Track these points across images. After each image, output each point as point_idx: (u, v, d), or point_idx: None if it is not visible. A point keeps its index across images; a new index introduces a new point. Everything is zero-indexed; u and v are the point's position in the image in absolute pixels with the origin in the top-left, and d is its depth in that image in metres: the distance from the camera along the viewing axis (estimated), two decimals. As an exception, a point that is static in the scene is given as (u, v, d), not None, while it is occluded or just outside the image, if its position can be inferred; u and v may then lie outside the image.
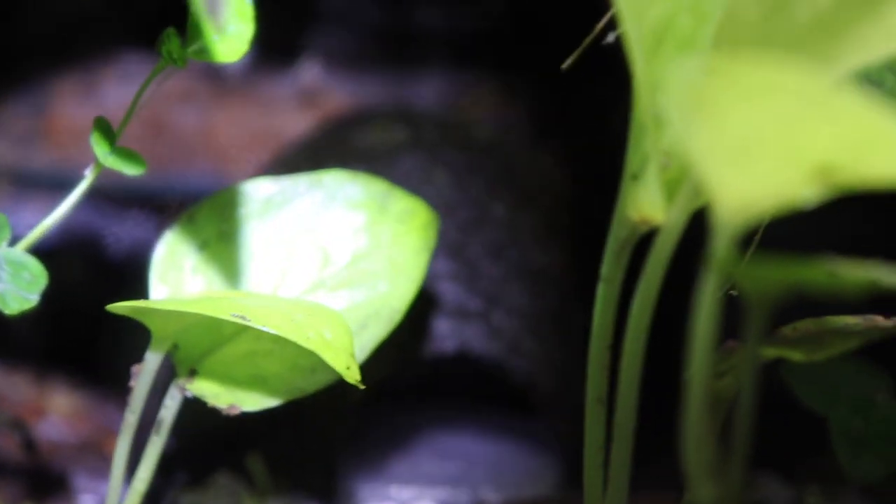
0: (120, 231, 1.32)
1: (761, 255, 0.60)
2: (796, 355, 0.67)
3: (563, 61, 0.77)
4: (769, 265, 0.55)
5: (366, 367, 0.81)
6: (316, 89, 1.30)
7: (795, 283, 0.55)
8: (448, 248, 1.01)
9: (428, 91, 1.23)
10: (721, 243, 0.55)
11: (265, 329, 0.75)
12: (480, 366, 1.00)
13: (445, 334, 0.99)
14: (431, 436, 1.10)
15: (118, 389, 1.22)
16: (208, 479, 0.96)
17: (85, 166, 0.81)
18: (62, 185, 1.33)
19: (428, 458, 1.07)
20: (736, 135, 0.52)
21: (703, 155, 0.52)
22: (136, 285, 1.29)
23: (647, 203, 0.66)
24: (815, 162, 0.50)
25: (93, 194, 1.30)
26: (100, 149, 0.79)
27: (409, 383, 1.08)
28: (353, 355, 0.78)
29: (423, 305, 0.86)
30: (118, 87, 1.31)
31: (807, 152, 0.50)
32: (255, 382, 0.83)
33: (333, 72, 1.30)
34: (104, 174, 0.82)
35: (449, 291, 1.00)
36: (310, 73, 1.30)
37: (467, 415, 1.12)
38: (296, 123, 1.29)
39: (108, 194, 1.32)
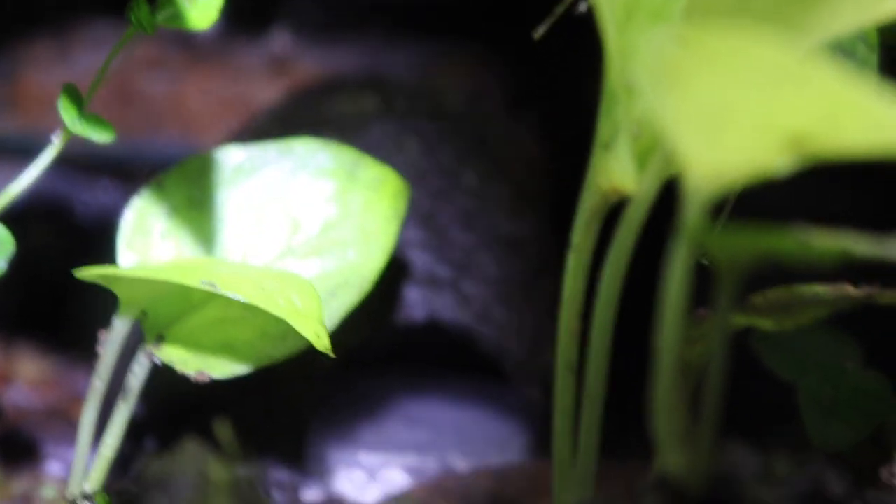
0: (88, 198, 1.31)
1: (734, 223, 0.60)
2: (766, 324, 0.68)
3: (536, 30, 0.77)
4: (740, 234, 0.55)
5: (335, 335, 0.81)
6: (286, 57, 1.30)
7: (766, 252, 0.55)
8: (418, 216, 1.00)
9: (399, 60, 1.23)
10: (692, 212, 0.56)
11: (235, 296, 0.75)
12: (450, 334, 1.00)
13: (415, 302, 0.99)
14: (400, 402, 1.10)
15: (86, 356, 1.22)
16: (175, 445, 0.96)
17: (54, 133, 0.80)
18: (31, 152, 1.32)
19: (397, 425, 1.07)
20: (707, 105, 0.52)
21: (675, 125, 0.53)
22: (105, 252, 1.28)
23: (617, 172, 0.66)
24: (787, 131, 0.50)
25: (62, 161, 1.30)
26: (68, 115, 0.78)
27: (378, 350, 1.08)
28: (322, 323, 0.78)
29: (393, 273, 0.86)
30: (89, 54, 1.30)
31: (779, 122, 0.50)
32: (224, 349, 0.83)
33: (304, 40, 1.30)
34: (73, 141, 0.81)
35: (419, 260, 1.00)
36: (280, 41, 1.29)
37: (436, 382, 1.13)
38: (266, 91, 1.28)
39: (77, 161, 1.31)
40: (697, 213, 0.55)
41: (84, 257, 1.28)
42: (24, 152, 1.32)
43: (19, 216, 1.25)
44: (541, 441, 1.00)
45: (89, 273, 0.77)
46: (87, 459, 0.83)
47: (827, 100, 0.49)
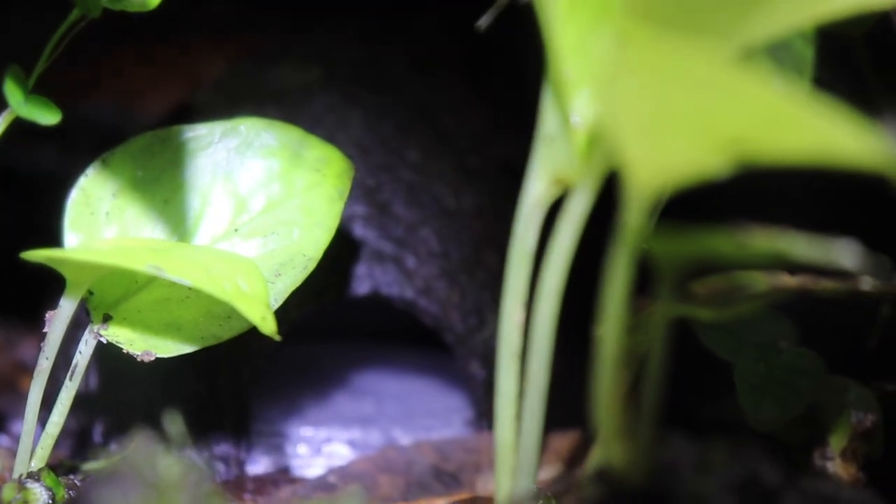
0: (27, 164, 1.31)
1: (673, 223, 0.61)
2: (705, 314, 0.69)
3: (479, 21, 0.78)
4: (678, 237, 0.56)
5: (279, 311, 0.82)
6: (227, 25, 1.29)
7: (703, 252, 0.56)
8: (362, 191, 1.01)
9: (344, 30, 1.23)
10: (634, 212, 0.57)
11: (182, 281, 0.76)
12: (393, 308, 1.01)
13: (359, 277, 1.00)
14: (344, 375, 1.11)
15: (30, 325, 1.22)
16: (124, 436, 0.97)
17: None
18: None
19: (341, 398, 1.08)
20: (649, 110, 0.53)
21: (616, 126, 0.54)
22: (46, 219, 1.28)
23: (561, 164, 0.67)
24: (725, 136, 0.51)
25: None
26: (14, 98, 0.78)
27: (322, 324, 1.09)
28: (268, 306, 0.79)
29: (337, 248, 0.87)
30: (29, 20, 1.29)
31: (717, 127, 0.52)
32: (169, 329, 0.83)
33: (245, 9, 1.30)
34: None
35: (363, 234, 1.01)
36: (221, 8, 1.29)
37: (380, 354, 1.14)
38: (206, 59, 1.28)
39: (19, 127, 1.31)
40: (639, 212, 0.57)
41: (26, 225, 1.28)
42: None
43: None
44: (480, 413, 1.02)
45: (36, 255, 0.77)
46: (33, 437, 0.83)
47: (762, 109, 0.51)
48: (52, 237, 0.89)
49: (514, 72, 1.16)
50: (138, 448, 0.56)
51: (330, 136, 1.00)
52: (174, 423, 0.66)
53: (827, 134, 0.49)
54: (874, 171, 0.49)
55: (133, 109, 1.30)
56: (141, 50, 1.30)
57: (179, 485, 0.57)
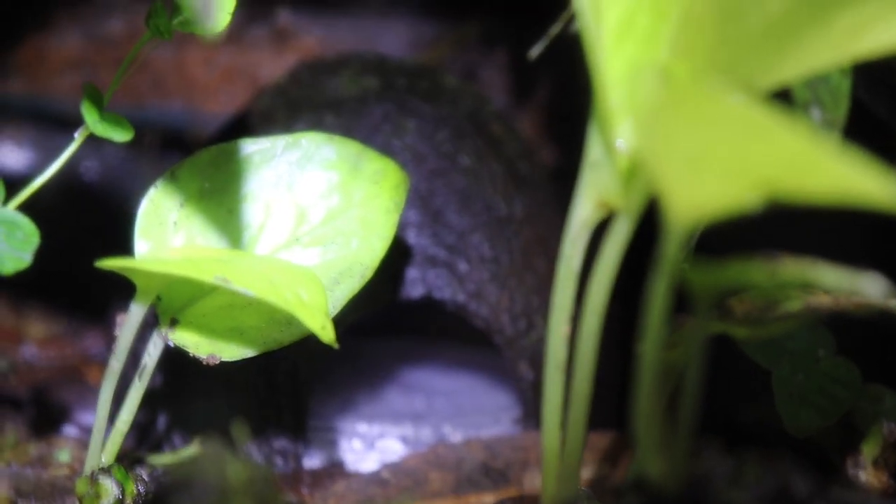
0: (94, 161, 1.35)
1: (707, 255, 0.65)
2: (741, 332, 0.73)
3: (530, 51, 0.82)
4: (713, 267, 0.60)
5: (337, 315, 0.87)
6: (288, 31, 1.33)
7: (736, 282, 0.60)
8: (416, 197, 1.05)
9: (396, 37, 1.26)
10: (672, 243, 0.61)
11: (247, 292, 0.80)
12: (445, 311, 1.05)
13: (412, 281, 1.04)
14: (398, 371, 1.15)
15: (93, 316, 1.26)
16: (187, 430, 1.01)
17: (58, 98, 0.83)
18: (39, 115, 1.36)
19: (394, 395, 1.13)
20: (688, 149, 0.57)
21: (661, 166, 0.57)
22: (110, 215, 1.33)
23: (605, 189, 0.71)
24: (758, 177, 0.55)
25: (66, 123, 1.34)
26: (90, 116, 0.82)
27: (376, 322, 1.13)
28: (328, 315, 0.83)
29: (392, 253, 0.91)
30: (101, 20, 1.33)
31: (750, 168, 0.55)
32: (233, 334, 0.88)
33: (304, 16, 1.34)
34: (77, 100, 0.85)
35: (416, 240, 1.05)
36: (282, 15, 1.33)
37: (432, 351, 1.18)
38: (267, 63, 1.32)
39: (80, 123, 1.35)
40: (677, 243, 0.61)
41: (90, 220, 1.32)
42: (31, 115, 1.36)
43: (27, 178, 1.29)
44: (528, 412, 1.06)
45: (110, 263, 0.82)
46: (104, 434, 0.88)
47: (792, 153, 0.54)
48: (118, 233, 0.93)
49: (562, 80, 1.19)
50: (206, 453, 0.60)
51: (386, 144, 1.05)
52: (239, 429, 0.70)
53: (849, 177, 0.53)
54: (893, 211, 0.53)
55: (198, 111, 1.34)
56: (205, 54, 1.34)
57: (246, 490, 0.61)
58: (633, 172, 0.69)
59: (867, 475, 0.80)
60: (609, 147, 0.70)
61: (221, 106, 1.33)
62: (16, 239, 0.81)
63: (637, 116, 0.67)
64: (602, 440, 1.02)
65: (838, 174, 0.53)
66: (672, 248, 0.61)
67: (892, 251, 0.88)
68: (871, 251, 0.71)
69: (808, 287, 0.76)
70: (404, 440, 1.06)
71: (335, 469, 1.04)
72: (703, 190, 0.56)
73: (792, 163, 0.54)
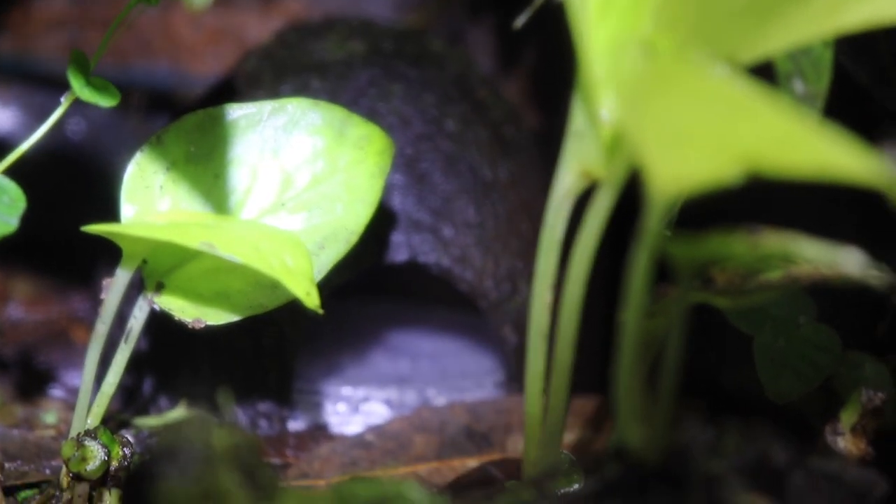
0: (79, 122, 1.35)
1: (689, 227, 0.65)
2: (722, 302, 0.73)
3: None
4: (695, 239, 0.60)
5: (322, 279, 0.87)
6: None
7: (717, 254, 0.61)
8: (402, 161, 1.05)
9: (382, 1, 1.26)
10: (654, 214, 0.61)
11: (232, 258, 0.80)
12: (430, 275, 1.05)
13: (397, 245, 1.04)
14: (383, 335, 1.16)
15: (81, 276, 1.26)
16: (172, 392, 1.02)
17: (45, 57, 0.83)
18: (25, 74, 1.36)
19: (379, 357, 1.13)
20: (672, 125, 0.57)
21: (643, 139, 0.58)
22: (96, 175, 1.33)
23: (588, 159, 0.71)
24: (740, 152, 0.56)
25: (53, 83, 1.34)
26: (76, 81, 0.83)
27: (362, 289, 1.13)
28: (313, 281, 0.83)
29: (377, 217, 0.91)
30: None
31: (731, 143, 0.56)
32: (218, 298, 0.88)
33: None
34: (64, 60, 0.85)
35: (401, 204, 1.05)
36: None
37: (416, 314, 1.18)
38: (254, 25, 1.32)
39: (66, 84, 1.35)
40: (659, 215, 0.61)
41: (75, 179, 1.32)
42: (18, 74, 1.36)
43: (10, 138, 1.29)
44: (512, 375, 1.07)
45: (96, 228, 0.82)
46: (90, 396, 0.88)
47: (774, 129, 0.55)
48: (104, 193, 0.93)
49: (548, 45, 1.19)
50: (192, 419, 0.61)
51: (372, 108, 1.05)
52: (225, 393, 0.71)
53: (829, 153, 0.53)
54: (872, 186, 0.53)
55: (184, 72, 1.34)
56: (192, 15, 1.34)
57: (231, 456, 0.62)
58: (616, 143, 0.70)
59: (846, 442, 0.81)
60: (593, 118, 0.70)
61: (208, 67, 1.33)
62: (2, 203, 0.81)
63: (621, 89, 0.67)
64: (585, 405, 1.03)
65: (819, 150, 0.53)
66: (654, 219, 0.61)
67: (872, 225, 0.88)
68: (853, 225, 0.72)
69: (788, 259, 0.77)
70: (389, 403, 1.07)
71: (320, 432, 1.05)
72: (684, 163, 0.57)
73: (773, 138, 0.54)
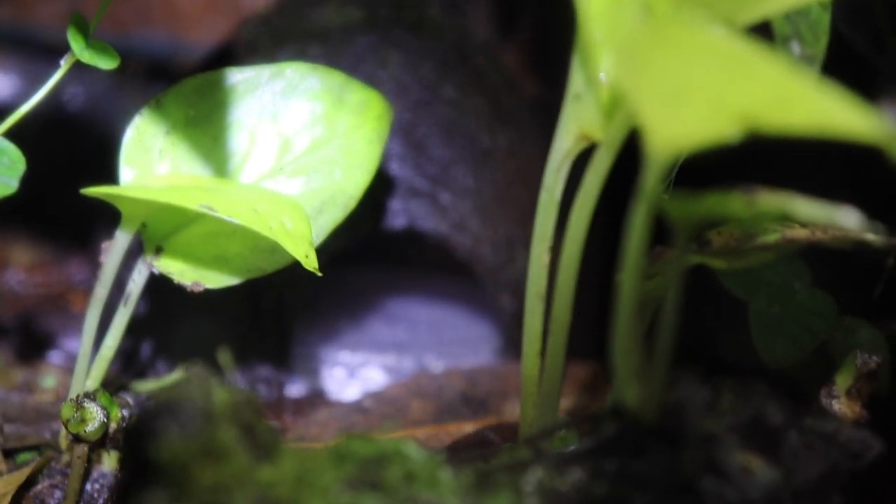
0: (78, 89, 1.35)
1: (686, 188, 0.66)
2: (718, 264, 0.74)
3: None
4: (692, 200, 0.61)
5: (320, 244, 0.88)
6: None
7: (714, 213, 0.61)
8: (399, 128, 1.05)
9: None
10: (652, 173, 0.61)
11: (232, 220, 0.81)
12: (427, 242, 1.05)
13: (395, 211, 1.05)
14: (381, 301, 1.16)
15: (79, 243, 1.27)
16: (171, 356, 1.02)
17: (43, 25, 0.83)
18: (24, 41, 1.36)
19: (376, 324, 1.14)
20: (668, 82, 0.58)
21: (642, 99, 0.58)
22: (94, 142, 1.33)
23: (587, 121, 0.72)
24: (738, 110, 0.56)
25: (51, 50, 1.34)
26: (76, 44, 0.83)
27: (360, 255, 1.14)
28: (311, 244, 0.84)
29: (375, 183, 0.91)
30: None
31: (729, 101, 0.56)
32: (217, 261, 0.88)
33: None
34: (62, 29, 0.85)
35: (399, 171, 1.05)
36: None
37: (414, 281, 1.19)
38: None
39: (65, 51, 1.35)
40: (657, 174, 0.61)
41: (73, 146, 1.33)
42: (17, 41, 1.36)
43: (8, 105, 1.29)
44: (508, 342, 1.07)
45: (95, 191, 0.82)
46: (89, 359, 0.88)
47: (772, 87, 0.55)
48: (103, 160, 0.93)
49: (546, 12, 1.19)
50: (191, 378, 0.61)
51: (370, 75, 1.05)
52: (224, 356, 0.71)
53: (829, 109, 0.53)
54: (871, 143, 0.54)
55: (182, 40, 1.34)
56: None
57: (230, 415, 0.62)
58: (614, 105, 0.70)
59: (840, 405, 0.81)
60: (591, 80, 0.71)
61: (205, 35, 1.33)
62: (2, 165, 0.82)
63: (619, 49, 0.68)
64: (582, 370, 1.03)
65: (817, 107, 0.53)
66: (651, 179, 0.62)
67: (869, 184, 0.88)
68: (848, 189, 0.72)
69: (785, 220, 0.77)
70: (386, 369, 1.07)
71: (318, 397, 1.05)
72: (682, 123, 0.57)
73: (772, 96, 0.55)
